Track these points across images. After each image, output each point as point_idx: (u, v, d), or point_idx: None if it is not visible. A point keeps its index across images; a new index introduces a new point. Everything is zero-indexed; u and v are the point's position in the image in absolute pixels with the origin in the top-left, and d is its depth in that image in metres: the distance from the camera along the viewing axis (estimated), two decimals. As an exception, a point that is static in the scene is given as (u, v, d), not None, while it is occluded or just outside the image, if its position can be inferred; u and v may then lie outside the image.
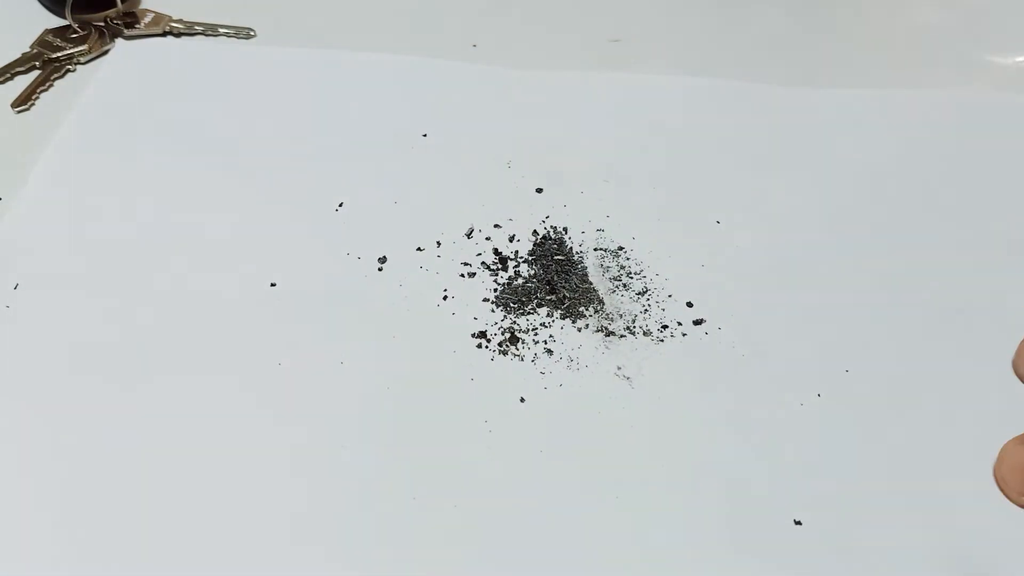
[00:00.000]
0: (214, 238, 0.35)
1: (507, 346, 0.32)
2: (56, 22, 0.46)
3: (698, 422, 0.30)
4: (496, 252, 0.35)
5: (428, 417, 0.30)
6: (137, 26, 0.46)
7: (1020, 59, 0.45)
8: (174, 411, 0.30)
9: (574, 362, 0.32)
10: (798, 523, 0.28)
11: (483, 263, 0.35)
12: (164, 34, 0.46)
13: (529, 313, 0.33)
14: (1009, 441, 0.30)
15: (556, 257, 0.35)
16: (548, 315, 0.33)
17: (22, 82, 0.43)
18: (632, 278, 0.34)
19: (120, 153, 0.39)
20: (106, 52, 0.45)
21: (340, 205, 0.37)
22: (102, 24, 0.46)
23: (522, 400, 0.30)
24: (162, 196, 0.37)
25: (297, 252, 0.35)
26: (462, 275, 0.34)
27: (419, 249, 0.35)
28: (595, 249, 0.35)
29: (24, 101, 0.41)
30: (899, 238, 0.36)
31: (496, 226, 0.36)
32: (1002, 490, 0.29)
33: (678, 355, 0.32)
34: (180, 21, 0.46)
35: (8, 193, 0.37)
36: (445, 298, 0.34)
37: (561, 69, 0.44)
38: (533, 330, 0.33)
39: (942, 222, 0.36)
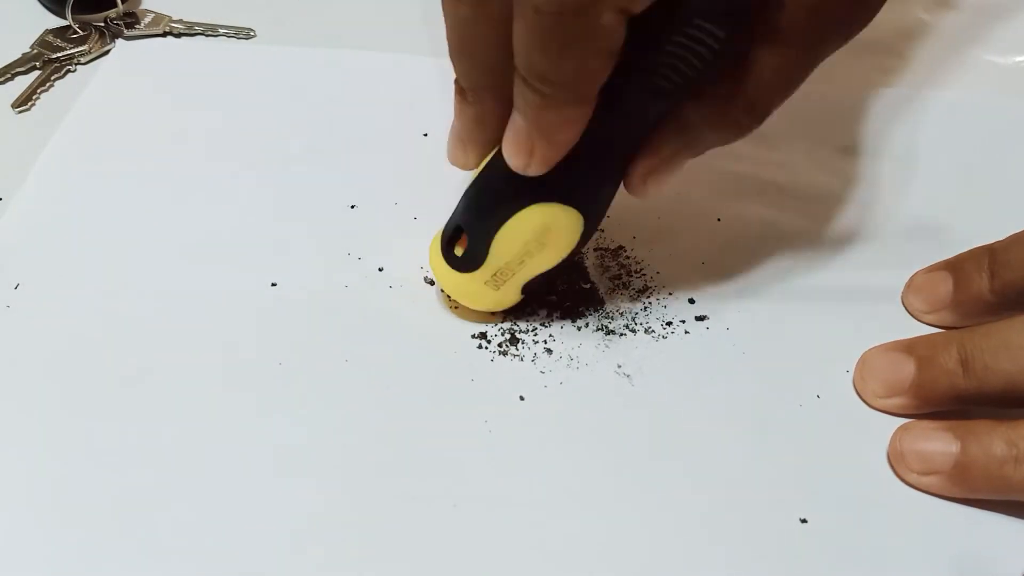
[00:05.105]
0: (214, 238, 0.35)
1: (507, 346, 0.32)
2: (56, 22, 0.46)
3: (698, 420, 0.30)
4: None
5: (428, 417, 0.30)
6: (137, 26, 0.46)
7: (1020, 59, 0.45)
8: (174, 411, 0.30)
9: (574, 361, 0.32)
10: (804, 521, 0.28)
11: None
12: (164, 34, 0.46)
13: (529, 313, 0.33)
14: (870, 349, 0.31)
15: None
16: (548, 315, 0.33)
17: (22, 82, 0.43)
18: (632, 276, 0.34)
19: (120, 153, 0.39)
20: (106, 52, 0.45)
21: (352, 207, 0.37)
22: (102, 24, 0.46)
23: (521, 399, 0.30)
24: (162, 196, 0.37)
25: (298, 252, 0.35)
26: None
27: (420, 249, 0.35)
28: (595, 249, 0.35)
29: (24, 101, 0.41)
30: (899, 238, 0.36)
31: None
32: (859, 393, 0.30)
33: (678, 353, 0.32)
34: (180, 21, 0.46)
35: (8, 193, 0.37)
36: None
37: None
38: (533, 330, 0.33)
39: (942, 222, 0.36)
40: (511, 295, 0.31)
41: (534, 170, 0.27)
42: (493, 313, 0.33)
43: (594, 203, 0.29)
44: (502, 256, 0.30)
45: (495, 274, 0.30)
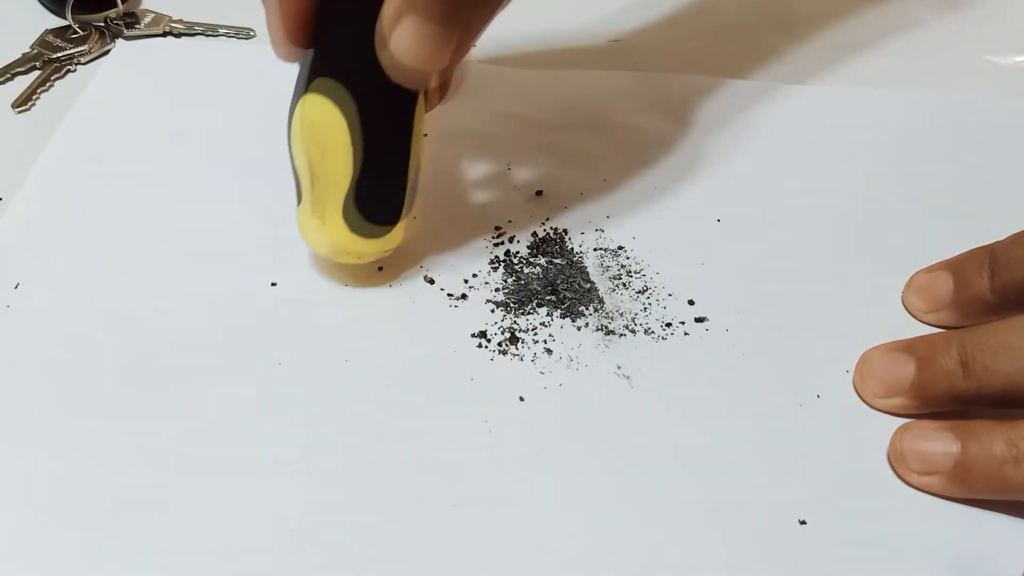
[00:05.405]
0: (215, 237, 0.35)
1: (507, 346, 0.32)
2: (56, 22, 0.46)
3: (698, 421, 0.30)
4: (496, 256, 0.35)
5: (428, 417, 0.30)
6: (137, 26, 0.46)
7: (1020, 59, 0.45)
8: (174, 410, 0.30)
9: (574, 361, 0.32)
10: (803, 523, 0.28)
11: (487, 262, 0.35)
12: (164, 34, 0.46)
13: (529, 313, 0.33)
14: (870, 349, 0.31)
15: (555, 261, 0.35)
16: (548, 315, 0.33)
17: (22, 82, 0.43)
18: (632, 276, 0.34)
19: (120, 153, 0.39)
20: (106, 52, 0.45)
21: None
22: (102, 24, 0.46)
23: (521, 399, 0.30)
24: (162, 196, 0.37)
25: (298, 252, 0.35)
26: (464, 279, 0.34)
27: (419, 248, 0.35)
28: (595, 249, 0.35)
29: (24, 101, 0.41)
30: (899, 238, 0.36)
31: (496, 228, 0.36)
32: (859, 393, 0.30)
33: (677, 354, 0.32)
34: (180, 21, 0.46)
35: (8, 193, 0.37)
36: (446, 297, 0.34)
37: (560, 68, 0.44)
38: (533, 330, 0.33)
39: (942, 222, 0.36)
40: (339, 227, 0.30)
41: (279, 46, 0.30)
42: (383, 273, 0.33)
43: (354, 75, 0.29)
44: (300, 170, 0.30)
45: (313, 202, 0.30)
